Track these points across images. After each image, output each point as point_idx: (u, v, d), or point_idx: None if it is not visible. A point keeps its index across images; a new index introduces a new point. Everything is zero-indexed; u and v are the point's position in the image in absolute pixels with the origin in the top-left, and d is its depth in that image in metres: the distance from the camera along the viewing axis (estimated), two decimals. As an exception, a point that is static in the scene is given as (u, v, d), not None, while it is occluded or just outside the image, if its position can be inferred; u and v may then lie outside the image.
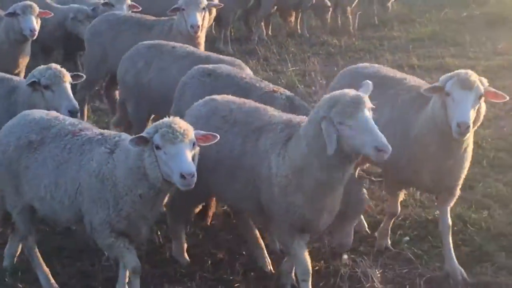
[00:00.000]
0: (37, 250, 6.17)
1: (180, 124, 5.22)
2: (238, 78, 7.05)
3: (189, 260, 6.43)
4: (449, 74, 5.80)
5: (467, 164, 6.10)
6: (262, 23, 14.82)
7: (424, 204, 7.17)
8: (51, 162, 5.79)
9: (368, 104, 5.13)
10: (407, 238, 6.64)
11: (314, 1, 14.75)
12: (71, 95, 6.80)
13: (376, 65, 7.68)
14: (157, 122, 5.24)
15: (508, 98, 5.90)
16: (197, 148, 5.27)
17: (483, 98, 5.66)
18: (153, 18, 9.94)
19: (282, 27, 15.53)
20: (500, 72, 11.23)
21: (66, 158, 5.75)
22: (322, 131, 5.12)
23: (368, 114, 5.08)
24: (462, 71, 5.79)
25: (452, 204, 6.34)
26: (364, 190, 6.18)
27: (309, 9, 15.02)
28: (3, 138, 6.04)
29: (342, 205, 5.78)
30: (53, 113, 6.29)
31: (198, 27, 8.82)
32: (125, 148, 5.39)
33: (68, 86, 6.82)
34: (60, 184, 5.73)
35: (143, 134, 5.19)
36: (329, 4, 14.79)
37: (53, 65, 6.97)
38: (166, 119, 5.26)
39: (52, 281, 6.11)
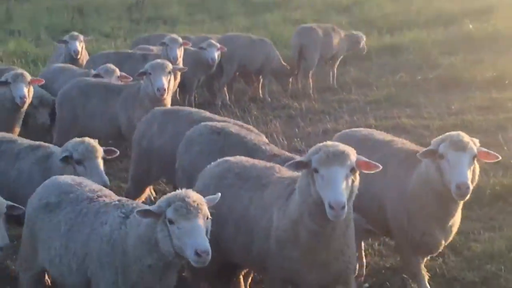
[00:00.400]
0: None
1: (194, 197, 5.05)
2: (247, 139, 6.99)
3: None
4: (441, 137, 5.79)
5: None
6: (225, 89, 14.76)
7: (382, 253, 7.27)
8: (64, 225, 5.70)
9: (352, 157, 5.11)
10: (367, 284, 6.74)
11: (273, 66, 14.80)
12: (102, 171, 6.69)
13: (369, 129, 7.77)
14: (169, 195, 5.09)
15: (500, 157, 5.89)
16: (209, 222, 5.09)
17: (476, 159, 5.65)
18: (121, 83, 10.21)
19: (244, 92, 15.52)
20: (454, 130, 11.21)
21: (79, 222, 5.65)
22: (311, 181, 5.14)
23: (339, 168, 5.05)
24: (454, 133, 5.79)
25: None
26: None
27: (270, 74, 15.08)
28: (30, 200, 6.07)
29: None
30: (80, 179, 6.25)
31: (165, 90, 8.97)
32: (139, 219, 5.27)
33: (100, 162, 6.72)
34: (70, 247, 5.62)
35: (152, 208, 5.03)
36: (289, 68, 14.97)
37: (86, 139, 6.87)
38: (178, 192, 5.10)
39: None
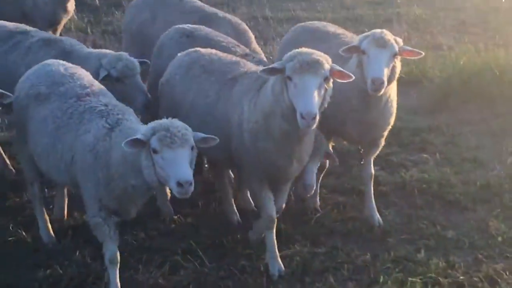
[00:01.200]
0: (41, 197, 6.10)
1: (179, 127, 4.88)
2: (215, 41, 6.88)
3: None
4: (365, 33, 5.88)
5: (391, 118, 6.21)
6: None
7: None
8: (51, 122, 5.56)
9: (326, 66, 5.10)
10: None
11: None
12: (144, 87, 6.49)
13: (324, 22, 7.77)
14: (154, 123, 4.92)
15: (423, 53, 6.05)
16: (195, 152, 4.94)
17: (398, 57, 5.76)
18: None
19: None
20: (346, 24, 11.82)
21: (66, 123, 5.49)
22: (284, 87, 5.17)
23: (312, 78, 5.06)
24: (378, 30, 5.85)
25: (375, 154, 6.53)
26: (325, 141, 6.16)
27: None
28: (21, 83, 5.95)
29: None
30: (74, 68, 6.03)
31: None
32: (125, 131, 5.12)
33: (139, 77, 6.43)
34: (57, 148, 5.49)
35: (139, 136, 4.81)
36: None
37: (124, 55, 6.50)
38: (163, 121, 4.95)
39: (50, 228, 6.06)
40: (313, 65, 5.10)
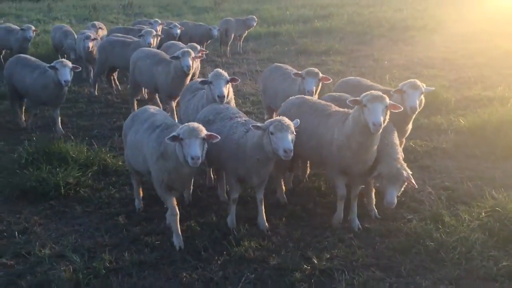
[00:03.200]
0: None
1: (286, 121, 6.26)
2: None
3: None
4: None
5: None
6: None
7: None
8: (216, 132, 6.80)
9: (387, 100, 6.31)
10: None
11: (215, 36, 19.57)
12: (197, 147, 6.48)
13: (358, 78, 9.27)
14: (271, 120, 6.39)
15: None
16: (294, 136, 6.26)
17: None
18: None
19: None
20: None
21: (223, 130, 7.00)
22: (361, 112, 6.33)
23: (379, 104, 6.25)
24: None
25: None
26: (405, 173, 6.96)
27: (207, 41, 19.97)
28: (200, 115, 7.64)
29: (385, 178, 6.87)
30: (226, 106, 7.75)
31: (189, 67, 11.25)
32: (254, 132, 6.53)
33: (197, 140, 6.50)
34: (217, 144, 6.72)
35: (261, 125, 6.34)
36: (216, 37, 19.74)
37: (192, 124, 6.71)
38: (277, 118, 6.39)
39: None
40: (380, 97, 6.27)
